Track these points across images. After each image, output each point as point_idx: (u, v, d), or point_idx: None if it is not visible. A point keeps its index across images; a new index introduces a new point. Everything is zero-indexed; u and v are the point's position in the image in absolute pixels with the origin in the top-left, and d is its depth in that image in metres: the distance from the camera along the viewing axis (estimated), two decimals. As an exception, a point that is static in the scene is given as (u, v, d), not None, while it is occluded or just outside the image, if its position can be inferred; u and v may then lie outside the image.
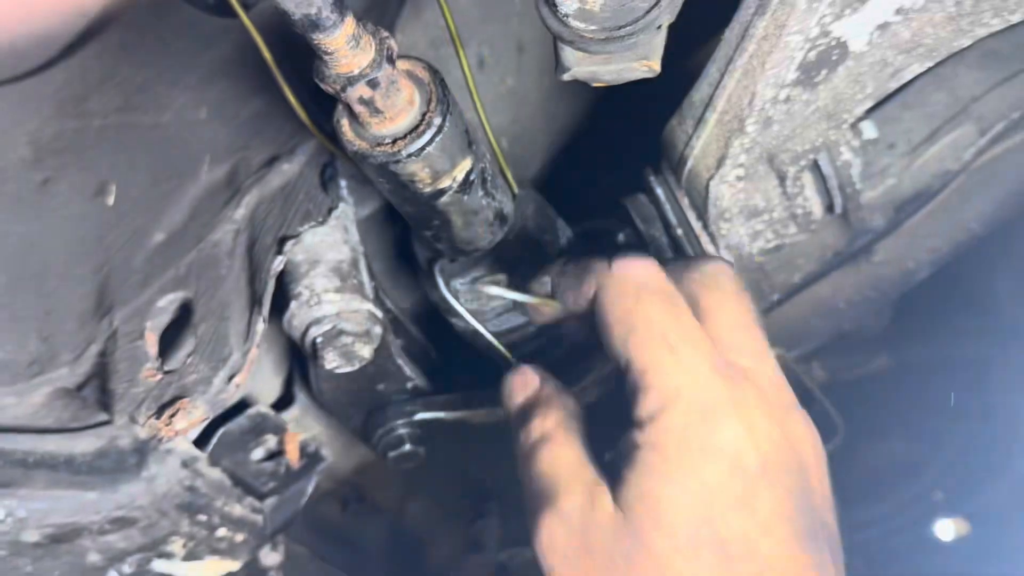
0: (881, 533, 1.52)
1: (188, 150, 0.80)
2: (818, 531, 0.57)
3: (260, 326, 0.68)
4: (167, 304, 0.73)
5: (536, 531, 0.58)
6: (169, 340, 0.76)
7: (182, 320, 0.74)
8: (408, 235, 0.84)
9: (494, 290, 0.72)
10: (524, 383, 0.69)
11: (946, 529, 1.56)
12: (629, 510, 0.55)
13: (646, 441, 0.56)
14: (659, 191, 0.76)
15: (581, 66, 0.54)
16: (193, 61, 0.85)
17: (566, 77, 0.55)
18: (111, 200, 0.79)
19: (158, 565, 0.83)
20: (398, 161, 0.60)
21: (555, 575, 0.57)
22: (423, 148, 0.60)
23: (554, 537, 0.57)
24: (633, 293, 0.60)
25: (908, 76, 0.67)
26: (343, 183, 0.78)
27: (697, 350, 0.57)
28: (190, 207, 0.77)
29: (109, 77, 0.87)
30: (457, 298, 0.77)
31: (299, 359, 0.85)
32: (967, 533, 1.57)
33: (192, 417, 0.67)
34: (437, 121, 0.60)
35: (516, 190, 0.77)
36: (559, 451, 0.61)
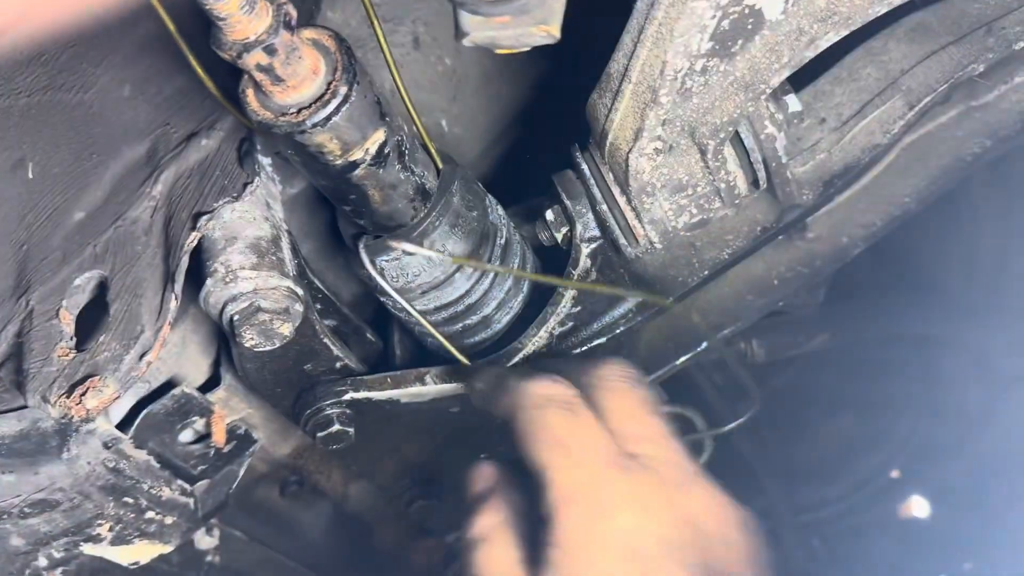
0: (836, 513, 1.53)
1: (110, 128, 0.79)
2: None
3: (172, 303, 0.67)
4: (84, 282, 0.72)
5: None
6: (89, 319, 0.75)
7: (101, 298, 0.73)
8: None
9: (406, 246, 0.72)
10: (481, 476, 0.73)
11: (918, 506, 1.57)
12: None
13: (549, 539, 0.61)
14: (584, 167, 0.75)
15: (479, 31, 0.53)
16: (119, 39, 0.83)
17: (466, 42, 0.54)
18: (30, 174, 0.78)
19: (87, 549, 0.82)
20: (303, 131, 0.60)
21: None
22: (328, 118, 0.59)
23: None
24: (537, 405, 0.66)
25: (824, 45, 0.66)
26: (266, 160, 0.77)
27: (592, 449, 0.63)
28: (110, 184, 0.76)
29: (36, 56, 0.85)
30: (383, 275, 0.77)
31: (226, 339, 0.84)
32: (927, 512, 1.58)
33: (103, 395, 0.66)
34: (343, 90, 0.60)
35: (440, 165, 0.76)
36: (494, 552, 0.66)
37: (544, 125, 1.11)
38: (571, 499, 0.61)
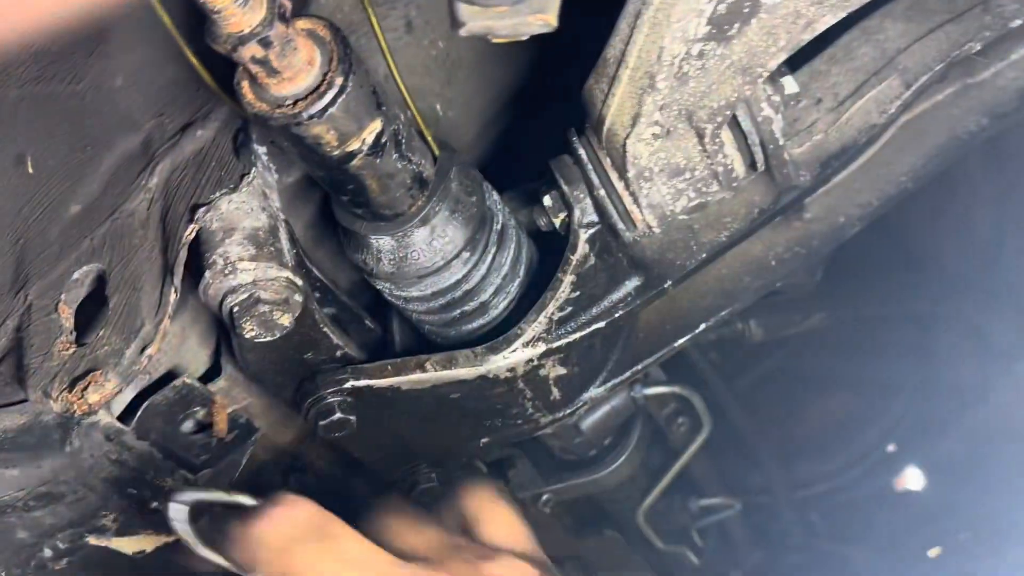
0: (834, 487, 1.54)
1: (104, 119, 0.78)
2: None
3: (172, 296, 0.67)
4: (82, 276, 0.72)
5: None
6: (88, 313, 0.75)
7: (99, 292, 0.72)
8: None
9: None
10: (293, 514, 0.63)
11: (915, 478, 1.59)
12: None
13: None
14: (581, 152, 0.75)
15: (476, 20, 0.53)
16: (109, 29, 0.83)
17: (462, 32, 0.54)
18: (30, 169, 0.77)
19: (92, 540, 0.83)
20: (300, 123, 0.59)
21: None
22: (325, 109, 0.59)
23: None
24: (282, 547, 0.60)
25: (821, 27, 0.66)
26: (262, 149, 0.77)
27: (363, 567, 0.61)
28: (106, 177, 0.75)
29: (24, 48, 0.84)
30: (379, 261, 0.77)
31: (226, 330, 0.84)
32: (923, 484, 1.60)
33: (104, 390, 0.66)
34: (339, 81, 0.59)
35: (437, 151, 0.76)
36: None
37: (538, 108, 1.10)
38: None
